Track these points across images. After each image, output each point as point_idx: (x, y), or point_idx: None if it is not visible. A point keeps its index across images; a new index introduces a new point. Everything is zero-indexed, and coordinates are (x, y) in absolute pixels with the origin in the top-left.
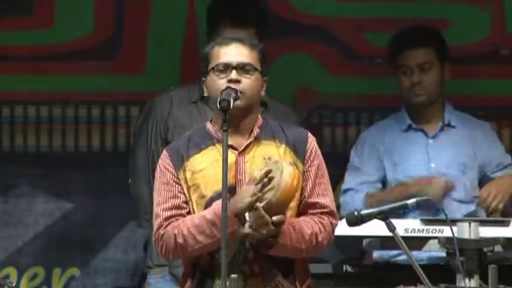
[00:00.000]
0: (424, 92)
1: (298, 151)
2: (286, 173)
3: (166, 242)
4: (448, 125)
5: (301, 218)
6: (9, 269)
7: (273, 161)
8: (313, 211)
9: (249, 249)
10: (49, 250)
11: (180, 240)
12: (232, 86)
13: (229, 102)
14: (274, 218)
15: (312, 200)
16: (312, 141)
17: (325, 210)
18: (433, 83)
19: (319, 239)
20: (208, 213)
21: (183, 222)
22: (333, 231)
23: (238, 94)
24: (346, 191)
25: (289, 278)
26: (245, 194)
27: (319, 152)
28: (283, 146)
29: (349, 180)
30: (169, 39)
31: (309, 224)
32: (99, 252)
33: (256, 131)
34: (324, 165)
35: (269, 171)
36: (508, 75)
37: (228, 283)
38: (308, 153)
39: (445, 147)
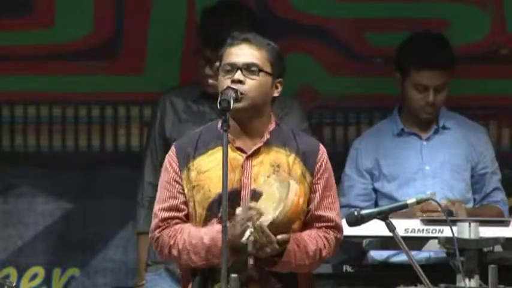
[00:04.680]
0: (434, 111)
1: (308, 162)
2: (293, 191)
3: (161, 247)
4: (443, 127)
5: (306, 232)
6: (9, 269)
7: (278, 177)
8: (319, 224)
9: (249, 256)
10: (49, 250)
11: (174, 252)
12: (235, 86)
13: (229, 102)
14: (279, 237)
15: (318, 212)
16: (323, 153)
17: (331, 224)
18: (443, 101)
19: (323, 254)
20: (207, 237)
21: (180, 235)
22: (337, 245)
23: (239, 94)
24: (341, 208)
25: (291, 285)
26: (236, 227)
27: (329, 164)
28: (293, 155)
29: (345, 196)
30: (169, 39)
31: (313, 240)
32: (99, 252)
33: (266, 136)
34: (333, 178)
35: (256, 208)
36: (508, 75)
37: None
38: (318, 166)
39: (439, 148)
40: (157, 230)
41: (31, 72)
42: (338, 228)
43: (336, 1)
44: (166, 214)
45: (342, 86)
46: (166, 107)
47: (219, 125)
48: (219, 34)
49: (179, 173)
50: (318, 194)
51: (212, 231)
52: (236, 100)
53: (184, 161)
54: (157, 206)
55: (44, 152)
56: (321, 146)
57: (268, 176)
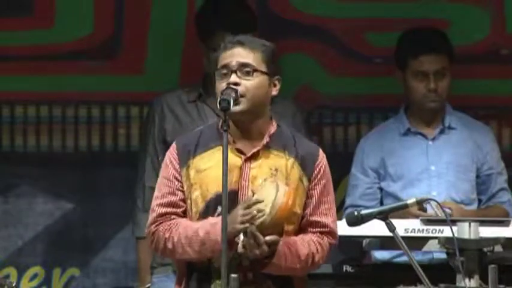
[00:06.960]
0: (439, 98)
1: (307, 167)
2: (282, 192)
3: (156, 241)
4: (449, 127)
5: (299, 236)
6: (9, 269)
7: (268, 180)
8: (314, 230)
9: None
10: (49, 250)
11: (169, 245)
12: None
13: (229, 102)
14: (268, 238)
15: (313, 218)
16: (322, 158)
17: (326, 229)
18: (446, 89)
19: (316, 259)
20: (202, 230)
21: (175, 228)
22: (330, 250)
23: (239, 94)
24: (346, 208)
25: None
26: (235, 219)
27: (328, 170)
28: (292, 159)
29: (350, 196)
30: (169, 39)
31: (305, 244)
32: (99, 252)
33: (266, 139)
34: (331, 184)
35: (258, 201)
36: (508, 75)
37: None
38: (316, 171)
39: (445, 148)
40: (154, 225)
41: (31, 72)
42: (333, 234)
43: (336, 1)
44: (164, 209)
45: (342, 86)
46: (164, 111)
47: (220, 124)
48: (212, 27)
49: (179, 170)
50: (314, 200)
51: (207, 225)
52: (235, 102)
53: (185, 158)
54: (155, 202)
55: (44, 152)
56: (321, 151)
57: (265, 180)
